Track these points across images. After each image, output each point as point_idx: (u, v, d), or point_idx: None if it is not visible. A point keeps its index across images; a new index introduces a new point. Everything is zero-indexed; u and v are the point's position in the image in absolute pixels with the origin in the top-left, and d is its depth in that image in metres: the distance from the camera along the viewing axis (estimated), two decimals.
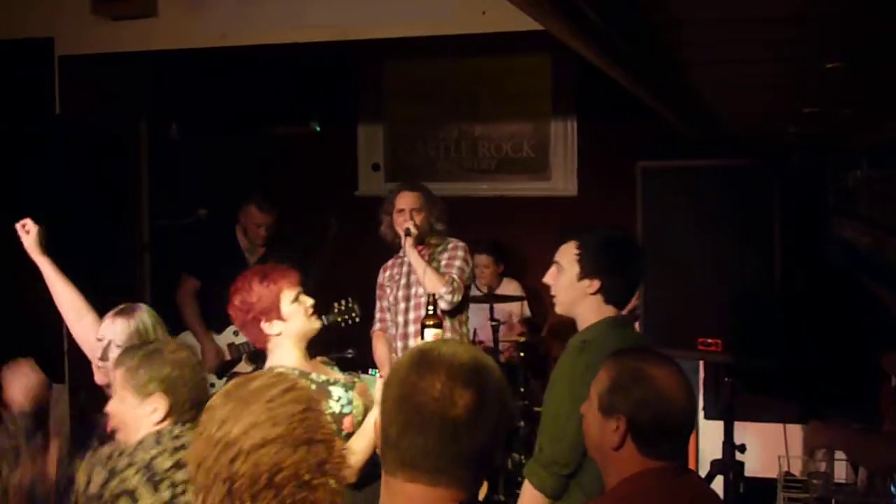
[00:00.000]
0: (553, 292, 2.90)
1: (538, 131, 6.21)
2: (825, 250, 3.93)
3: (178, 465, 2.43)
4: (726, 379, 3.74)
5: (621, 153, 4.74)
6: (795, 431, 4.29)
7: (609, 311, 2.81)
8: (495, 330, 5.11)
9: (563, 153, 6.14)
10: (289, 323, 3.00)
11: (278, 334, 3.00)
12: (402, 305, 4.37)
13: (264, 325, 2.99)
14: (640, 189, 3.80)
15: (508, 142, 6.28)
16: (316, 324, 3.07)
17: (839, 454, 3.31)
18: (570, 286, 2.82)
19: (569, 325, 2.99)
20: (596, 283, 2.78)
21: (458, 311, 4.37)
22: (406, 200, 4.41)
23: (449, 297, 4.21)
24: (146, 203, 5.49)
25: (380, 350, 4.44)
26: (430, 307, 3.45)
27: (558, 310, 2.91)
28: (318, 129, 6.41)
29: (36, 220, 3.19)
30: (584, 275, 2.79)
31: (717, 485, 3.72)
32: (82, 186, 4.34)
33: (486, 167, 6.34)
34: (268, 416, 1.73)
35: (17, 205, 4.63)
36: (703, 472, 3.71)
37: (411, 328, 4.29)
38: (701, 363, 4.29)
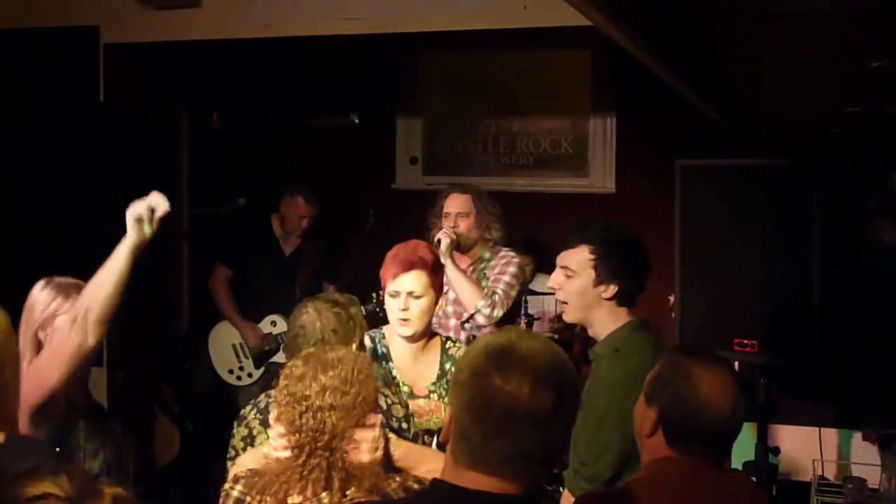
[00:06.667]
0: (562, 298, 2.78)
1: (576, 127, 6.18)
2: (865, 252, 3.88)
3: None
4: (761, 380, 3.71)
5: (660, 150, 4.71)
6: (830, 435, 4.25)
7: (623, 313, 2.73)
8: (529, 325, 5.10)
9: (602, 149, 6.11)
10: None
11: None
12: (451, 321, 4.10)
13: None
14: (678, 187, 3.77)
15: (546, 137, 6.25)
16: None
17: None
18: (585, 292, 2.72)
19: None
20: (613, 289, 2.69)
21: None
22: (453, 203, 4.13)
23: (487, 312, 3.92)
24: (186, 191, 5.55)
25: None
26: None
27: (569, 317, 2.81)
28: (356, 121, 6.43)
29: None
30: (600, 280, 2.69)
31: None
32: (124, 173, 4.39)
33: (523, 162, 6.31)
34: (340, 384, 2.05)
35: (60, 190, 4.73)
36: None
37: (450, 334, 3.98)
38: (736, 364, 4.25)
